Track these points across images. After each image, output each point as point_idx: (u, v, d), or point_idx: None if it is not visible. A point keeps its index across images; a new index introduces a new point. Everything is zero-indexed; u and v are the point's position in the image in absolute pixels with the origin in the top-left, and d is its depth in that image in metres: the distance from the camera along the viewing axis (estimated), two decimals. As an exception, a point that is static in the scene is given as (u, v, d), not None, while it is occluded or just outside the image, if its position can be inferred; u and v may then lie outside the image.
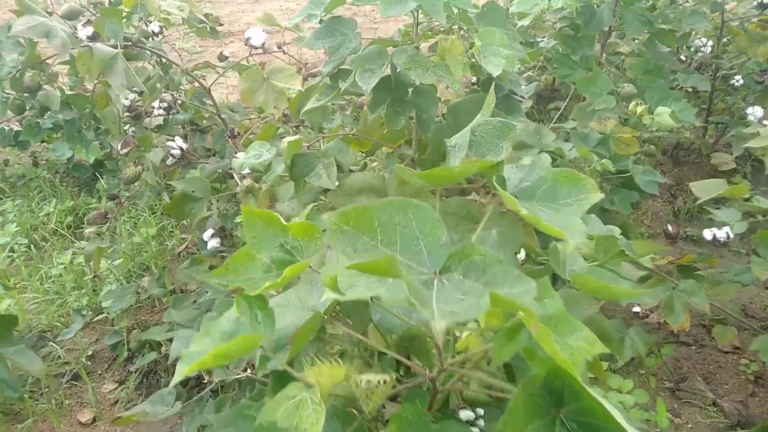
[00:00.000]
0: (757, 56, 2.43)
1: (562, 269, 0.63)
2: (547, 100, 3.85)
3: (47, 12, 1.73)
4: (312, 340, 0.60)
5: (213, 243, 1.80)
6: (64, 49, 1.47)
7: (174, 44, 4.94)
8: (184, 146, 1.86)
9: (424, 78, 0.86)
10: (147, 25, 2.34)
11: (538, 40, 3.14)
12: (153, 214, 2.52)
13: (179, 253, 2.22)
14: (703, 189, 1.62)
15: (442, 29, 1.07)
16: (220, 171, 1.79)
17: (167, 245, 2.36)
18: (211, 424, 0.61)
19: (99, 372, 1.88)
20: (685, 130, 3.27)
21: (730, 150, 3.10)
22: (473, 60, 0.92)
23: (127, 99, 2.52)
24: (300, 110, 1.22)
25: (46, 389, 1.78)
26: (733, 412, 1.80)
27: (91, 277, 2.04)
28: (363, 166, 1.22)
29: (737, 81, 2.79)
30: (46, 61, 1.83)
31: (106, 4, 2.63)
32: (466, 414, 0.58)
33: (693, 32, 2.57)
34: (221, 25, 3.16)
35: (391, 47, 1.14)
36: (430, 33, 1.12)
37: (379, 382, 0.51)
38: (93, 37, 1.54)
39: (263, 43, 1.79)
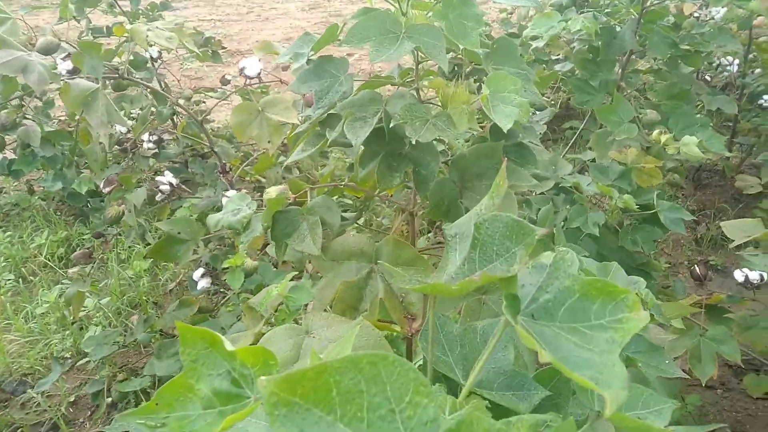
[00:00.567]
0: (787, 76, 2.28)
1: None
2: (561, 119, 3.70)
3: (31, 43, 1.64)
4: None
5: (203, 283, 1.68)
6: (41, 85, 1.36)
7: (182, 64, 4.89)
8: (174, 181, 1.75)
9: (422, 135, 0.73)
10: (146, 50, 2.24)
11: (553, 57, 3.01)
12: (147, 245, 2.41)
13: (171, 289, 2.10)
14: (736, 229, 1.47)
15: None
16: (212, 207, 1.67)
17: (160, 279, 2.24)
18: None
19: (81, 420, 1.76)
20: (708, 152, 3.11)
21: (755, 172, 2.94)
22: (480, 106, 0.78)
23: (123, 127, 2.43)
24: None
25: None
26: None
27: (71, 321, 1.93)
28: (358, 214, 1.09)
29: (765, 101, 2.65)
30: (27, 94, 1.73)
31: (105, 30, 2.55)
32: None
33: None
34: (224, 48, 3.07)
35: (389, 88, 1.01)
36: (434, 70, 0.99)
37: None
38: (73, 72, 1.43)
39: (258, 73, 1.69)
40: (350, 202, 1.67)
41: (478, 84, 0.96)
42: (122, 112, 2.55)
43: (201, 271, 1.70)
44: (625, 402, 0.51)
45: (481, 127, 0.87)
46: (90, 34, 2.72)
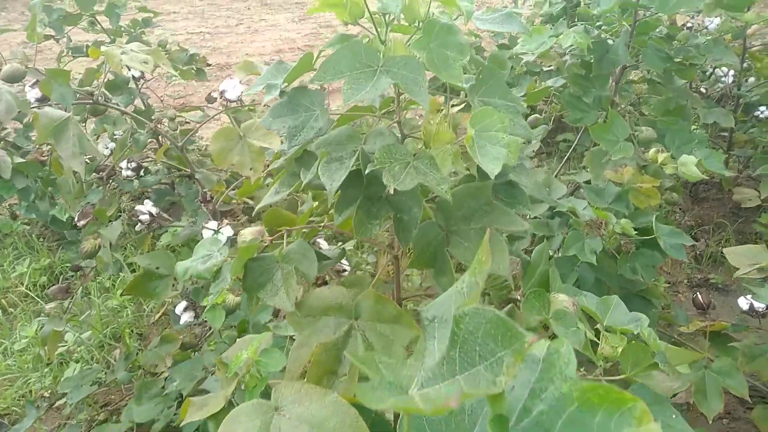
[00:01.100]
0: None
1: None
2: (555, 131, 3.64)
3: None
4: None
5: (186, 317, 1.60)
6: (8, 114, 1.29)
7: (168, 81, 4.81)
8: (154, 210, 1.68)
9: (401, 182, 0.66)
10: (128, 69, 2.18)
11: (545, 69, 2.95)
12: (133, 272, 2.34)
13: (156, 320, 2.02)
14: (740, 257, 1.41)
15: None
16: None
17: (145, 309, 2.16)
18: None
19: (60, 464, 1.68)
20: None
21: (753, 184, 2.89)
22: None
23: (107, 148, 2.35)
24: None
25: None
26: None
27: (46, 362, 1.85)
28: (341, 253, 1.03)
29: (762, 113, 2.60)
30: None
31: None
32: None
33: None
34: (209, 65, 3.00)
35: (369, 120, 0.95)
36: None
37: None
38: (42, 100, 1.37)
39: (239, 97, 1.62)
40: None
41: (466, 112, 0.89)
42: (105, 134, 2.49)
43: (184, 304, 1.63)
44: None
45: (467, 168, 0.80)
46: (69, 53, 2.66)
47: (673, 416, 0.84)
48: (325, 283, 1.27)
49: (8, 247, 2.54)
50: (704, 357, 1.43)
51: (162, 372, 1.65)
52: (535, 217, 1.86)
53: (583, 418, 0.36)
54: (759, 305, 1.44)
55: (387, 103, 0.93)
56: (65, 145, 1.31)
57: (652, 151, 1.74)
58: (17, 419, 1.74)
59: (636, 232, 1.47)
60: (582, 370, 1.07)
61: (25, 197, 1.54)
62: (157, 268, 1.46)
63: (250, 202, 2.21)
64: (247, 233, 0.92)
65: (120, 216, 1.94)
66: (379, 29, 0.82)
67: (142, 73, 2.33)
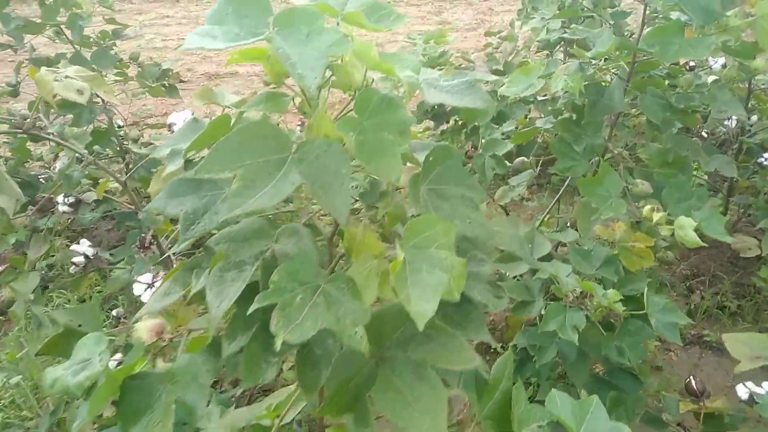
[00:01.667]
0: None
1: None
2: (548, 163, 3.48)
3: None
4: None
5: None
6: None
7: (139, 96, 4.60)
8: (90, 252, 1.50)
9: (295, 328, 0.48)
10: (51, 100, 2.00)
11: (540, 98, 2.79)
12: (82, 301, 2.16)
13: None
14: (740, 345, 1.24)
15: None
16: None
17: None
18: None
19: None
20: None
21: (753, 231, 2.73)
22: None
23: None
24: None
25: None
26: None
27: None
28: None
29: (765, 159, 2.44)
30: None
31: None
32: None
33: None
34: (182, 81, 2.83)
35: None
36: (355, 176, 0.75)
37: None
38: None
39: (188, 131, 1.45)
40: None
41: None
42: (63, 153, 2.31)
43: (119, 356, 1.45)
44: None
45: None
46: (30, 64, 2.49)
47: None
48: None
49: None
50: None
51: (87, 437, 1.47)
52: (515, 278, 1.69)
53: None
54: (760, 395, 1.27)
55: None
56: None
57: (647, 208, 1.58)
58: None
59: (624, 309, 1.30)
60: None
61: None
62: (80, 325, 1.27)
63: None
64: (143, 328, 0.74)
65: (49, 258, 1.75)
66: (307, 94, 0.65)
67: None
